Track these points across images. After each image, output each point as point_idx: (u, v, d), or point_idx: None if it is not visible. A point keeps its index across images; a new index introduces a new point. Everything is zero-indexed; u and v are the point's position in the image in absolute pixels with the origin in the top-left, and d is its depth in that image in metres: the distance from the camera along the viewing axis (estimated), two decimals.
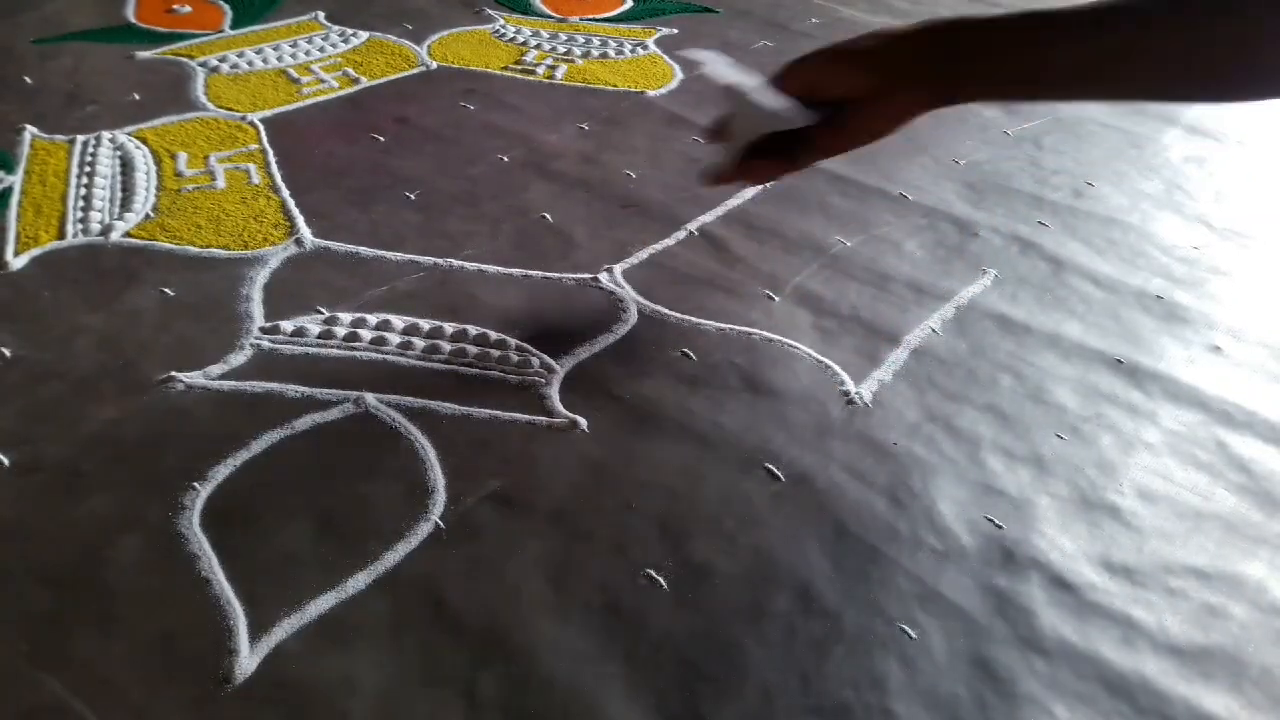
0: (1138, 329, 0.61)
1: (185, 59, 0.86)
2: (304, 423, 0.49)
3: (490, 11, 1.00)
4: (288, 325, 0.55)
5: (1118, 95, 0.48)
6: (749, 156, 0.52)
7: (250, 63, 0.86)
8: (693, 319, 0.59)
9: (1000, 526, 0.47)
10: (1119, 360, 0.58)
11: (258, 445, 0.48)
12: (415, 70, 0.87)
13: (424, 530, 0.44)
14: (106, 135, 0.73)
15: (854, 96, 0.49)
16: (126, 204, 0.66)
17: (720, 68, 0.52)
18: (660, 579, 0.43)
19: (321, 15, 0.96)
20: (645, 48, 0.94)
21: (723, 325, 0.58)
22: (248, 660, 0.38)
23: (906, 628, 0.42)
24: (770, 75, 0.51)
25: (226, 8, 0.97)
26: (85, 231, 0.63)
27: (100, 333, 0.55)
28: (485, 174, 0.72)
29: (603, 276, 0.62)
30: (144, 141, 0.73)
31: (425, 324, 0.56)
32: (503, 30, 0.96)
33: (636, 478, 0.48)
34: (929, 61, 0.48)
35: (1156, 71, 0.44)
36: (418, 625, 0.40)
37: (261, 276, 0.60)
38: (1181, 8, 0.42)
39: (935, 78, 0.48)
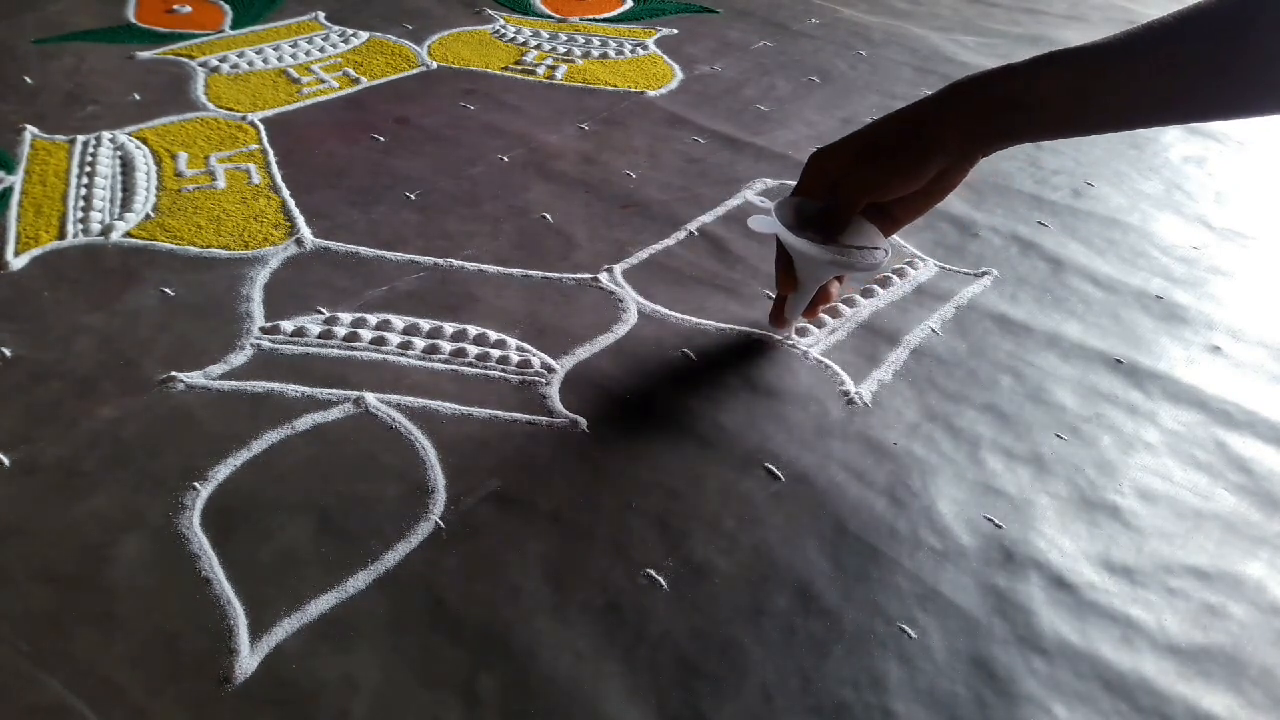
0: (1137, 329, 0.61)
1: (185, 59, 0.86)
2: (304, 423, 0.49)
3: (490, 11, 1.00)
4: (288, 325, 0.55)
5: (1140, 125, 0.48)
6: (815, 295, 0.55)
7: (250, 63, 0.86)
8: (693, 319, 0.59)
9: (1000, 526, 0.47)
10: (1119, 360, 0.58)
11: (258, 445, 0.48)
12: (415, 70, 0.87)
13: (424, 530, 0.44)
14: (107, 135, 0.73)
15: (903, 196, 0.50)
16: (127, 204, 0.66)
17: (770, 224, 0.52)
18: (660, 579, 0.43)
19: (322, 15, 0.96)
20: (645, 48, 0.94)
21: (723, 325, 0.58)
22: (248, 660, 0.38)
23: (906, 627, 0.42)
24: (801, 184, 0.52)
25: (227, 8, 0.97)
26: (85, 231, 0.63)
27: (100, 333, 0.55)
28: (485, 174, 0.72)
29: (603, 276, 0.62)
30: (144, 141, 0.73)
31: (425, 324, 0.56)
32: (503, 30, 0.96)
33: (636, 477, 0.48)
34: (963, 125, 0.48)
35: (1177, 99, 0.44)
36: (418, 625, 0.40)
37: (262, 276, 0.60)
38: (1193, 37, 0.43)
39: (972, 139, 0.48)
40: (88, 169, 0.69)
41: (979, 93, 0.47)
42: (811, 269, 0.52)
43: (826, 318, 0.59)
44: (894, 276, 0.64)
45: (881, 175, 0.49)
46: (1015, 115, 0.47)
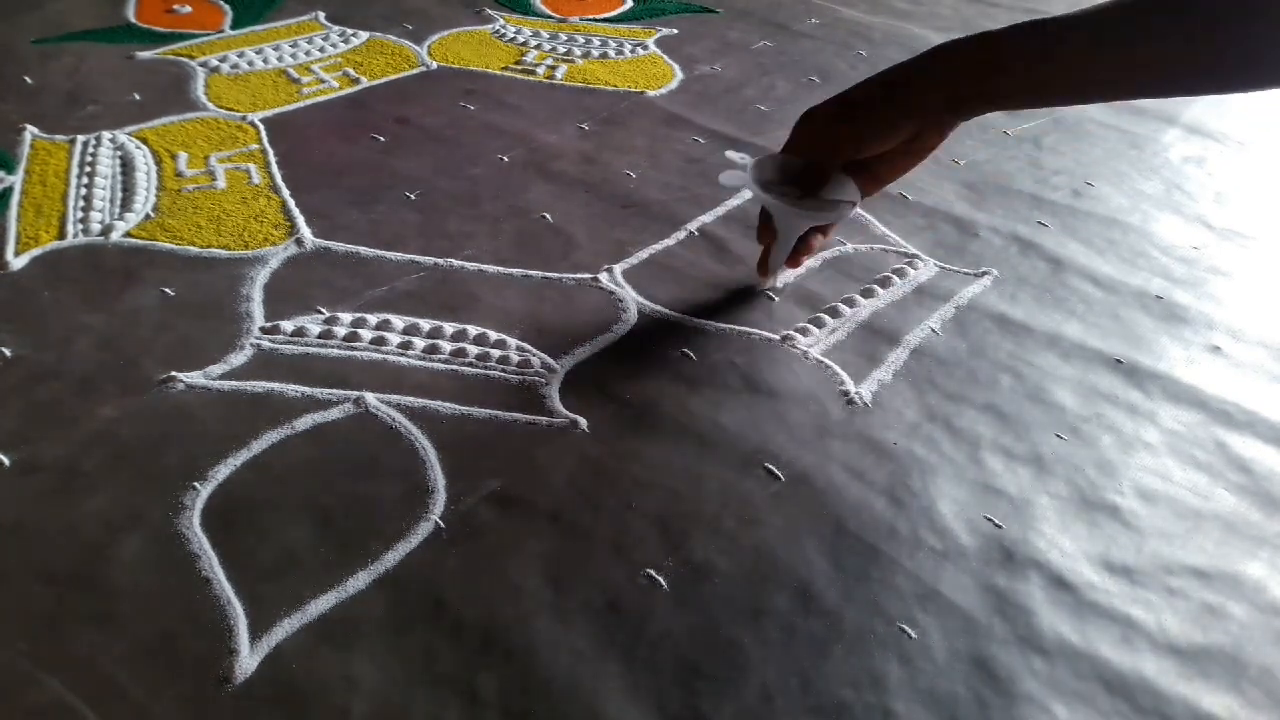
0: (1137, 329, 0.61)
1: (185, 59, 0.86)
2: (304, 423, 0.49)
3: (490, 11, 1.00)
4: (288, 325, 0.55)
5: (1124, 96, 0.49)
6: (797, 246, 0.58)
7: (250, 63, 0.86)
8: (693, 319, 0.59)
9: (1000, 526, 0.47)
10: (1119, 360, 0.58)
11: (258, 445, 0.48)
12: (415, 70, 0.87)
13: (424, 530, 0.44)
14: (107, 135, 0.73)
15: (879, 154, 0.52)
16: (127, 204, 0.66)
17: (740, 179, 0.56)
18: (660, 579, 0.43)
19: (322, 15, 0.96)
20: (645, 48, 0.94)
21: (723, 325, 0.58)
22: (248, 660, 0.38)
23: (906, 627, 0.42)
24: (788, 143, 0.55)
25: (227, 8, 0.97)
26: (85, 231, 0.63)
27: (100, 333, 0.55)
28: (485, 174, 0.72)
29: (603, 276, 0.62)
30: (144, 141, 0.73)
31: (425, 324, 0.56)
32: (503, 30, 0.96)
33: (636, 478, 0.48)
34: (939, 89, 0.49)
35: (1160, 71, 0.45)
36: (418, 625, 0.40)
37: (262, 276, 0.60)
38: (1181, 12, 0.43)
39: (948, 103, 0.50)
40: (88, 169, 0.69)
41: (957, 57, 0.49)
42: (783, 219, 0.56)
43: (826, 317, 0.59)
44: (894, 276, 0.64)
45: (854, 134, 0.51)
46: (991, 81, 0.48)
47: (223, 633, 0.39)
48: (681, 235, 0.67)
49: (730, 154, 0.58)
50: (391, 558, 0.43)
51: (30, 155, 0.70)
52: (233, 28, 0.93)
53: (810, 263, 0.64)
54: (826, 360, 0.56)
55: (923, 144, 0.53)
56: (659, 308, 0.60)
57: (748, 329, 0.58)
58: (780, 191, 0.54)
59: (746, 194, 0.71)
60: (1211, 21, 0.43)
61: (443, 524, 0.45)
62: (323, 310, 0.57)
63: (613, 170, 0.74)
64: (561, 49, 0.93)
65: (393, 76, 0.86)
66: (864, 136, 0.51)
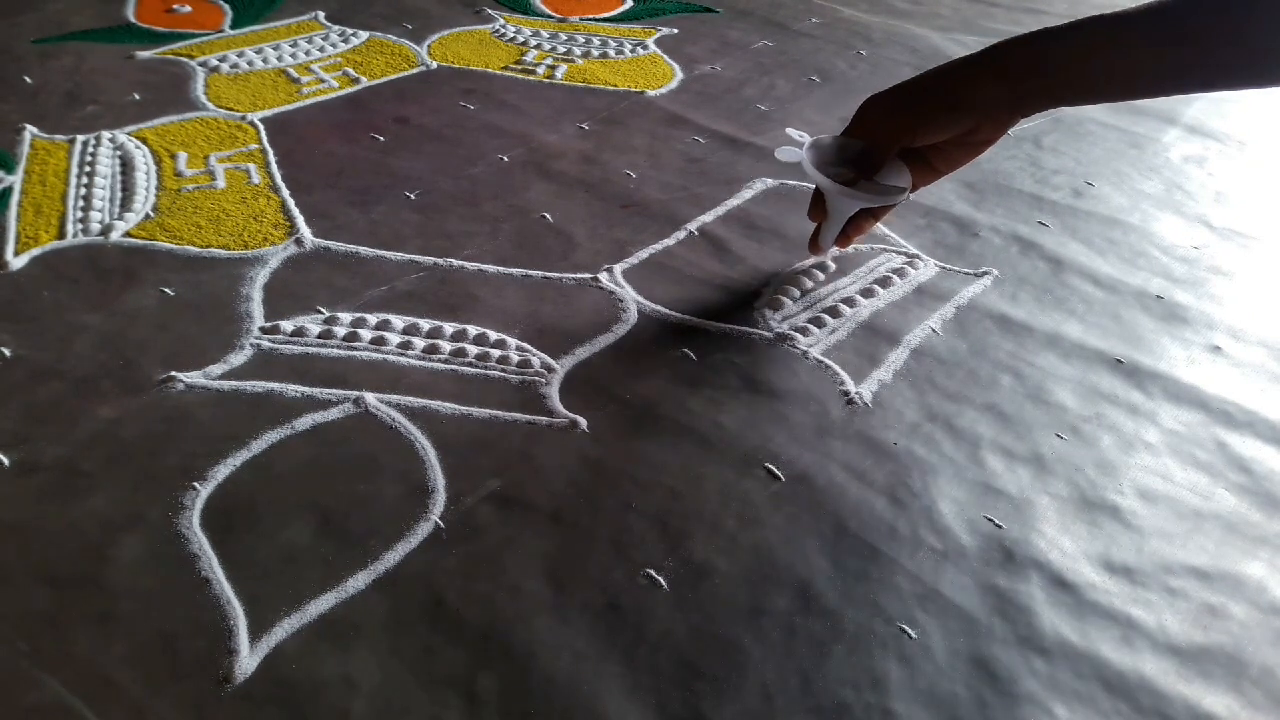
0: (1138, 329, 0.61)
1: (185, 59, 0.86)
2: (304, 422, 0.49)
3: (490, 11, 1.00)
4: (288, 325, 0.55)
5: (1180, 90, 0.49)
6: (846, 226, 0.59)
7: (250, 62, 0.86)
8: (693, 319, 0.59)
9: (1000, 526, 0.47)
10: (1119, 360, 0.58)
11: (258, 445, 0.48)
12: (415, 70, 0.87)
13: (424, 530, 0.44)
14: (106, 135, 0.73)
15: (936, 146, 0.54)
16: (126, 204, 0.66)
17: (796, 155, 0.57)
18: (660, 579, 0.43)
19: (321, 15, 0.96)
20: (645, 47, 0.94)
21: (723, 325, 0.58)
22: (248, 660, 0.38)
23: (906, 627, 0.42)
24: (850, 125, 0.56)
25: (226, 7, 0.97)
26: (85, 231, 0.63)
27: (100, 332, 0.55)
28: (485, 174, 0.72)
29: (603, 276, 0.62)
30: (144, 141, 0.73)
31: (425, 324, 0.56)
32: (503, 30, 0.96)
33: (636, 477, 0.48)
34: (997, 86, 0.50)
35: (1216, 65, 0.46)
36: (418, 625, 0.40)
37: (261, 276, 0.60)
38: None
39: (1006, 101, 0.51)
40: (87, 169, 0.69)
41: (1014, 56, 0.50)
42: (833, 201, 0.57)
43: (826, 317, 0.59)
44: (894, 276, 0.64)
45: (909, 124, 0.53)
46: (1050, 78, 0.49)
47: (222, 633, 0.39)
48: (681, 235, 0.67)
49: (790, 131, 0.59)
50: (391, 558, 0.43)
51: (30, 155, 0.70)
52: (232, 27, 0.93)
53: (810, 262, 0.64)
54: (826, 360, 0.56)
55: (980, 138, 0.54)
56: (659, 308, 0.59)
57: (748, 329, 0.58)
58: (834, 173, 0.56)
59: (747, 194, 0.71)
60: (1257, 14, 0.43)
61: (443, 524, 0.45)
62: (322, 310, 0.57)
63: (613, 170, 0.74)
64: (561, 49, 0.93)
65: (392, 76, 0.86)
66: (919, 126, 0.52)
